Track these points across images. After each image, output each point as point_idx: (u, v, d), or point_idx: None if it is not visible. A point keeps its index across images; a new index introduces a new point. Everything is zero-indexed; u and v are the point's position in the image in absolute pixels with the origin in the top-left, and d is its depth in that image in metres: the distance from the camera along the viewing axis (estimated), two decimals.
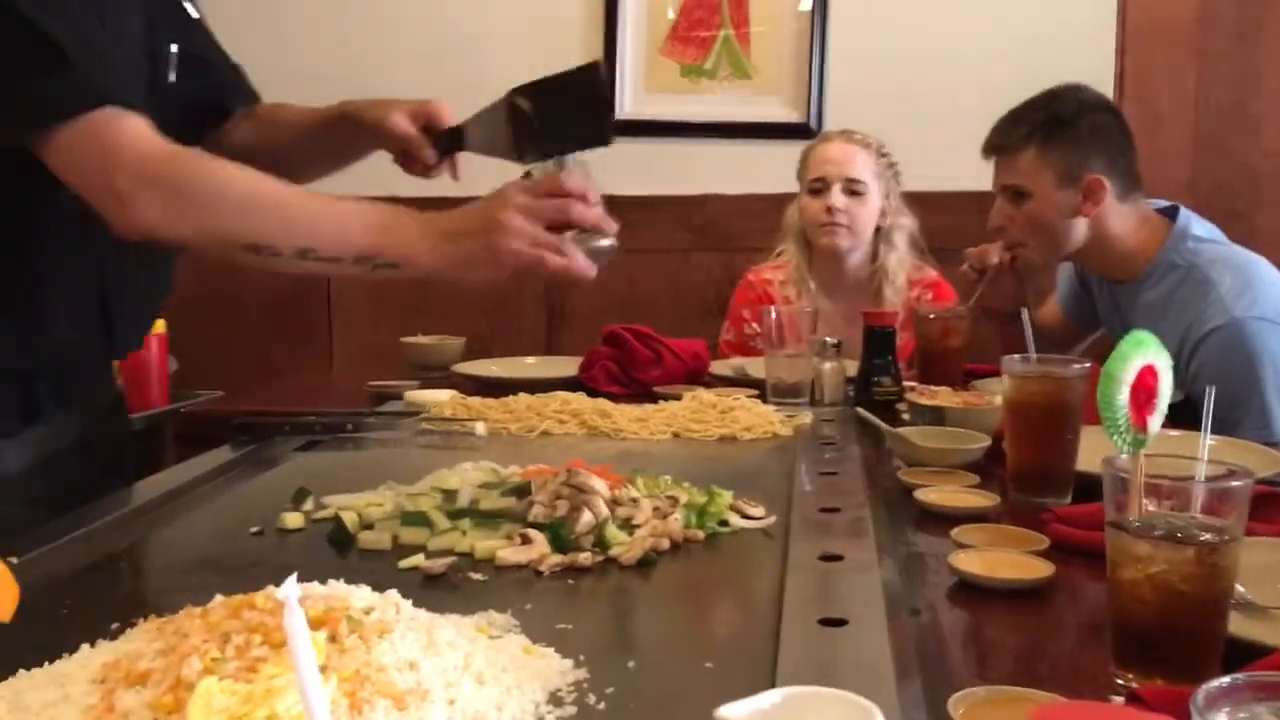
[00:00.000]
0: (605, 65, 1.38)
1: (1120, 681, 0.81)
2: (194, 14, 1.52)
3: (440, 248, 1.22)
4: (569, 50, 3.28)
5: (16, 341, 1.30)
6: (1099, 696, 0.81)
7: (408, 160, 1.51)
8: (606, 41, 3.27)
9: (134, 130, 1.19)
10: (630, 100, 3.32)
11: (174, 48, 1.45)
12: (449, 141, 1.48)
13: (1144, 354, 0.78)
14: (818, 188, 2.53)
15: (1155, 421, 0.80)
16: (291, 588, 0.41)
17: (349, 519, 1.18)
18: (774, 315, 1.92)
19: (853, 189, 2.51)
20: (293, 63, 3.31)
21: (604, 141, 1.36)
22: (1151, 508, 0.79)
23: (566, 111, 1.36)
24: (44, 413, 1.35)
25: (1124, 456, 0.80)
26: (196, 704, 0.66)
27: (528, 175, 1.33)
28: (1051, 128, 2.02)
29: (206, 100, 1.54)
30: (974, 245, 3.15)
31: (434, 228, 1.24)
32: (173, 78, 1.45)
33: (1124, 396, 0.78)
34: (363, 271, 1.23)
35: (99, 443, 1.44)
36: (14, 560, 1.06)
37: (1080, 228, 2.02)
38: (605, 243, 1.27)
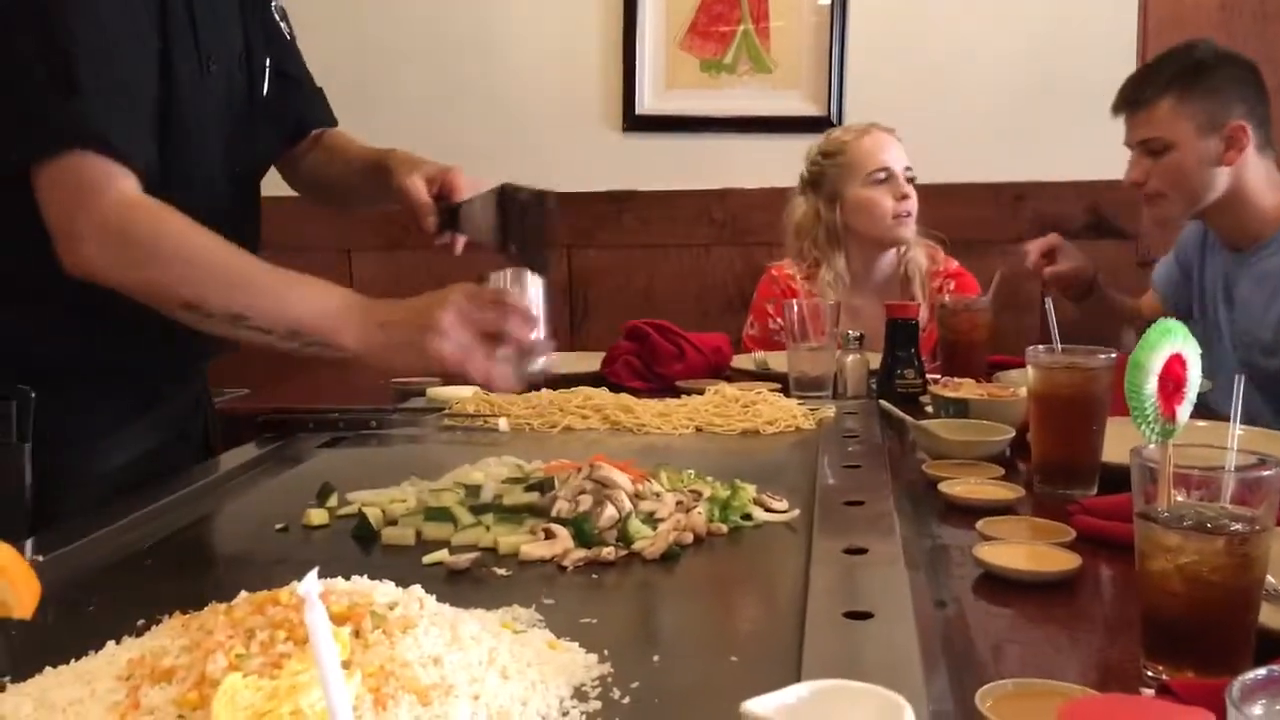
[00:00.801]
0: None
1: (1150, 674, 0.80)
2: (288, 34, 1.62)
3: (371, 335, 1.24)
4: (588, 48, 3.29)
5: (157, 344, 1.38)
6: (1129, 689, 0.80)
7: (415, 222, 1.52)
8: (625, 37, 3.27)
9: (108, 176, 1.22)
10: (650, 96, 3.31)
11: (268, 62, 1.53)
12: (448, 218, 1.49)
13: (1172, 342, 0.77)
14: (882, 178, 2.49)
15: (1184, 411, 0.79)
16: (312, 583, 0.41)
17: (373, 515, 1.18)
18: (796, 308, 1.91)
19: (910, 175, 2.50)
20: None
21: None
22: (1180, 498, 0.78)
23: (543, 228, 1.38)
24: (155, 408, 1.46)
25: (1152, 446, 0.79)
26: (221, 700, 0.66)
27: (481, 279, 1.33)
28: (1190, 76, 2.01)
29: (291, 117, 1.64)
30: (995, 237, 3.16)
31: (370, 315, 1.26)
32: (266, 91, 1.54)
33: (1152, 385, 0.77)
34: (293, 347, 1.26)
35: (192, 433, 1.56)
36: (39, 558, 1.07)
37: (1221, 177, 2.02)
38: (537, 365, 1.28)
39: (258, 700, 0.66)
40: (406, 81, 3.32)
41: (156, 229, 1.23)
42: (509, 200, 1.38)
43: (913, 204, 2.49)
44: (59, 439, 1.34)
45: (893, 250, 2.56)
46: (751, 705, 0.53)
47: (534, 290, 1.33)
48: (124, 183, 1.24)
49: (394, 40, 3.32)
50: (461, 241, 1.52)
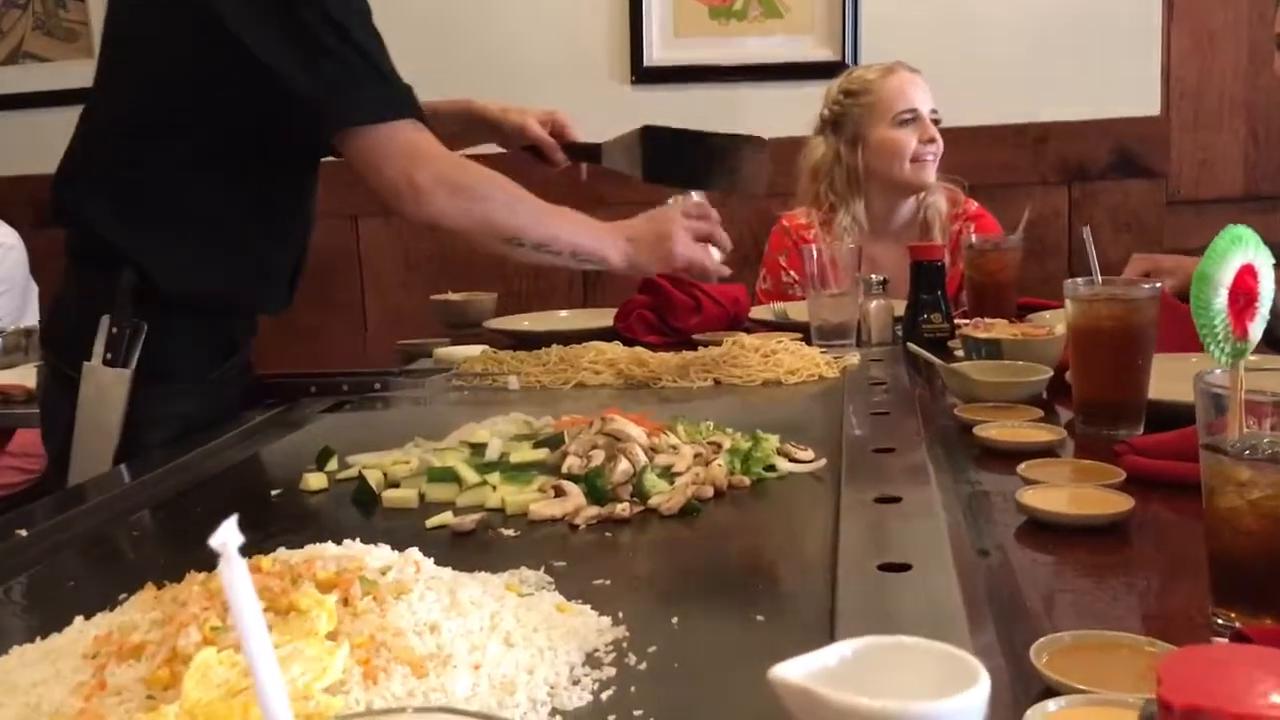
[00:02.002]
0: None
1: (1221, 621, 0.72)
2: None
3: (626, 249, 1.56)
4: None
5: (241, 299, 1.58)
6: (1195, 638, 0.72)
7: (538, 157, 1.81)
8: None
9: (429, 139, 1.46)
10: (658, 46, 3.22)
11: None
12: (583, 154, 1.81)
13: (1243, 251, 0.69)
14: (908, 119, 2.39)
15: (1256, 329, 0.70)
16: (229, 532, 0.34)
17: (373, 478, 1.12)
18: (816, 254, 1.83)
19: (935, 118, 2.40)
20: None
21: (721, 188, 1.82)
22: (1252, 427, 0.70)
23: (717, 160, 1.71)
24: (238, 350, 1.60)
25: (1219, 372, 0.71)
26: (193, 678, 0.59)
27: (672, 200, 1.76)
28: None
29: None
30: (1018, 180, 3.05)
31: (621, 234, 1.57)
32: None
33: (1222, 300, 0.68)
34: (571, 264, 1.57)
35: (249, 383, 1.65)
36: (23, 533, 1.01)
37: None
38: (722, 259, 1.65)
39: (233, 676, 0.60)
40: (403, 35, 3.21)
41: (480, 177, 1.47)
42: (653, 138, 1.72)
43: (938, 147, 2.39)
44: (147, 373, 1.44)
45: (913, 196, 2.46)
46: (782, 671, 0.45)
47: (707, 203, 1.71)
48: (437, 143, 1.47)
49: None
50: (585, 171, 1.85)
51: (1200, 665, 0.38)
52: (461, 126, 1.80)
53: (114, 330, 1.42)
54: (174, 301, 1.45)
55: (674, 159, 1.72)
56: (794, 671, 0.45)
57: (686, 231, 1.58)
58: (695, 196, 1.75)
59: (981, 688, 0.42)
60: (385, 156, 1.43)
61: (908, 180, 2.42)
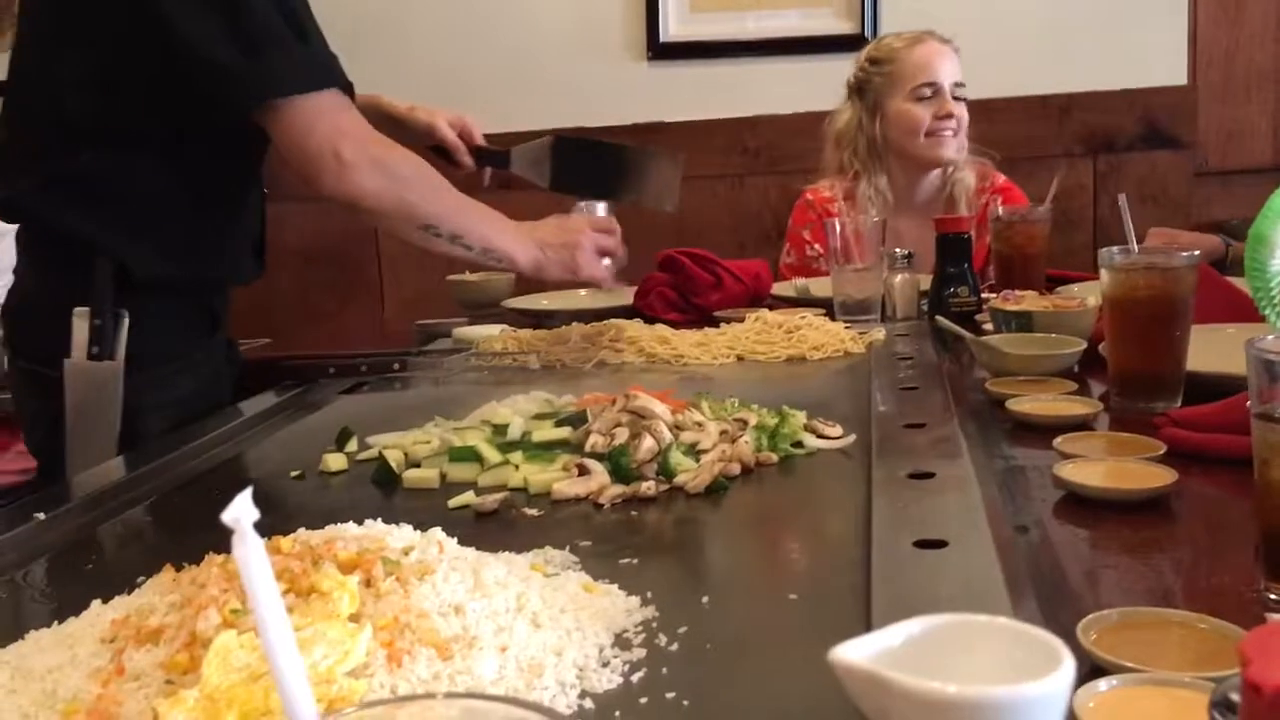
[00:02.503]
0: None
1: (1274, 597, 0.70)
2: None
3: (535, 254, 1.56)
4: None
5: (214, 273, 1.55)
6: (1245, 614, 0.70)
7: (444, 159, 1.75)
8: None
9: (356, 114, 1.43)
10: (675, 22, 3.17)
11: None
12: (490, 159, 1.79)
13: None
14: (927, 95, 2.33)
15: None
16: (244, 507, 0.32)
17: (394, 458, 1.10)
18: (839, 228, 1.80)
19: (958, 94, 2.34)
20: None
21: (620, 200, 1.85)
22: None
23: (625, 174, 1.72)
24: (219, 326, 1.59)
25: (1271, 338, 0.68)
26: (212, 662, 0.58)
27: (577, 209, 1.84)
28: None
29: None
30: (1043, 153, 3.00)
31: (531, 237, 1.57)
32: None
33: (1278, 262, 0.66)
34: (480, 259, 1.55)
35: (225, 379, 1.61)
36: (40, 515, 1.00)
37: None
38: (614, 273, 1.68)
39: (253, 660, 0.58)
40: (419, 12, 3.20)
41: (406, 160, 1.45)
42: (563, 150, 1.73)
43: (956, 122, 2.34)
44: (136, 360, 1.40)
45: (937, 170, 2.42)
46: (845, 653, 0.42)
47: (610, 214, 1.81)
48: (362, 118, 1.43)
49: None
50: (488, 175, 1.81)
51: None
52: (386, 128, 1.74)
53: (96, 323, 1.38)
54: (149, 284, 1.42)
55: (581, 170, 1.74)
56: (857, 653, 0.42)
57: (593, 244, 1.60)
58: (600, 209, 1.83)
59: (1066, 669, 0.39)
60: (310, 128, 1.37)
61: (922, 155, 2.36)
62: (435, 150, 1.75)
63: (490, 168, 1.80)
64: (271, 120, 1.38)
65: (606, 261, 1.63)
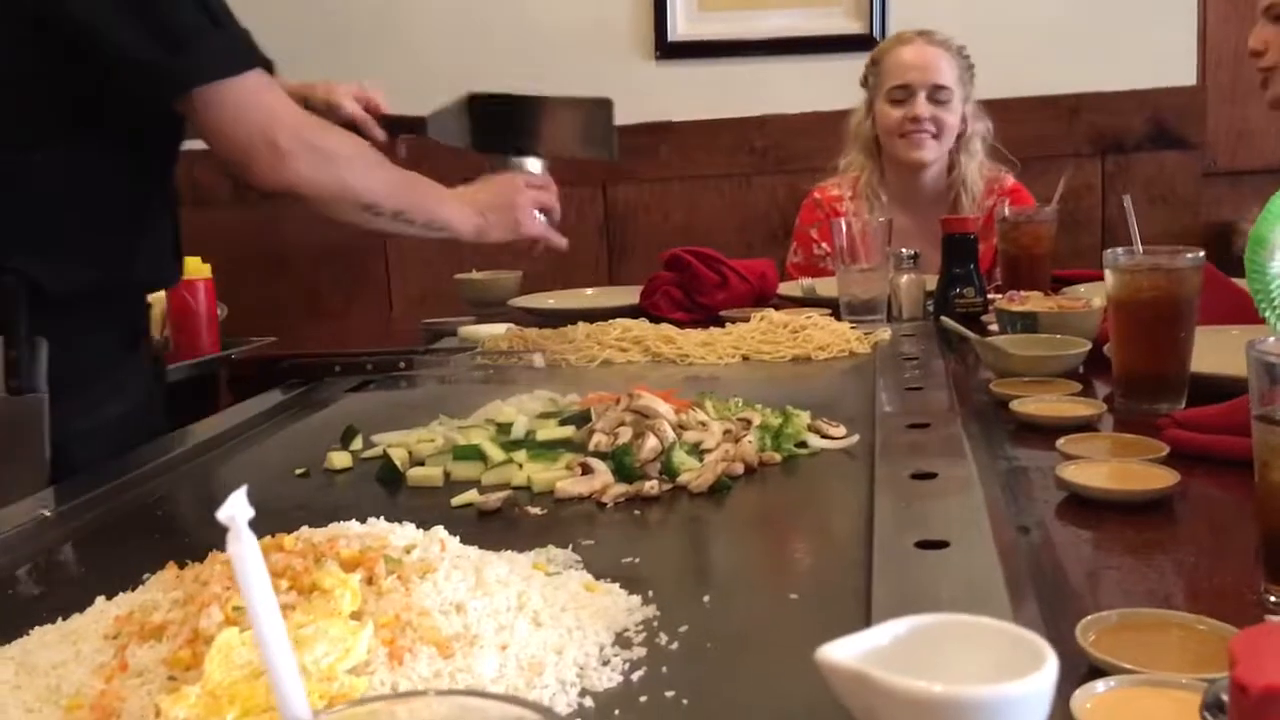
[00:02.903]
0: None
1: (1274, 599, 0.70)
2: None
3: (476, 220, 1.55)
4: None
5: (132, 278, 1.44)
6: (1246, 616, 0.69)
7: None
8: None
9: (282, 95, 1.36)
10: (683, 21, 3.17)
11: None
12: (404, 127, 1.71)
13: None
14: (900, 96, 2.36)
15: None
16: (239, 504, 0.32)
17: (398, 456, 1.10)
18: (845, 228, 1.80)
19: (937, 96, 2.34)
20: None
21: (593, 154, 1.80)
22: None
23: (554, 123, 1.71)
24: (141, 338, 1.51)
25: (1273, 340, 0.68)
26: (215, 658, 0.58)
27: (502, 166, 1.68)
28: None
29: None
30: (1051, 152, 3.00)
31: (470, 203, 1.55)
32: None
33: (1278, 264, 0.66)
34: (422, 233, 1.53)
35: (159, 381, 1.56)
36: (45, 513, 1.00)
37: None
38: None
39: (255, 658, 0.58)
40: (427, 10, 3.21)
41: (342, 140, 1.42)
42: (480, 106, 1.68)
43: (934, 125, 2.33)
44: (59, 386, 1.29)
45: (935, 170, 2.42)
46: (831, 652, 0.43)
47: (543, 169, 1.69)
48: (291, 100, 1.37)
49: None
50: (403, 147, 1.72)
51: (1278, 644, 0.36)
52: None
53: (12, 353, 1.26)
54: (65, 300, 1.30)
55: (504, 125, 1.68)
56: (844, 652, 0.42)
57: (530, 201, 1.59)
58: (535, 165, 1.68)
59: (1049, 669, 0.40)
60: (238, 116, 1.29)
61: (900, 155, 2.38)
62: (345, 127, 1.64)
63: (404, 136, 1.72)
64: (196, 109, 1.29)
65: (542, 217, 1.62)
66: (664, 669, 0.65)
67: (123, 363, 1.44)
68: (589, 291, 2.26)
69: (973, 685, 0.38)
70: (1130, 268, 1.16)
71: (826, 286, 1.97)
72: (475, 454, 1.08)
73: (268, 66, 1.37)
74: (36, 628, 0.71)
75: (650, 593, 0.75)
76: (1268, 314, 0.66)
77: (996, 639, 0.43)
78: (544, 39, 3.18)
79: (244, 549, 0.32)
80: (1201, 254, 1.16)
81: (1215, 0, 3.02)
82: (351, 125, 1.63)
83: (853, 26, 3.11)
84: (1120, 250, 1.18)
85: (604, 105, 1.64)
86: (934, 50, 2.36)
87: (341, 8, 3.22)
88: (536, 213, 1.62)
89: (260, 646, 0.33)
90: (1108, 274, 1.18)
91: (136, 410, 1.42)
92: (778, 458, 1.07)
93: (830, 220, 2.05)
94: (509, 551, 0.80)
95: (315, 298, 3.20)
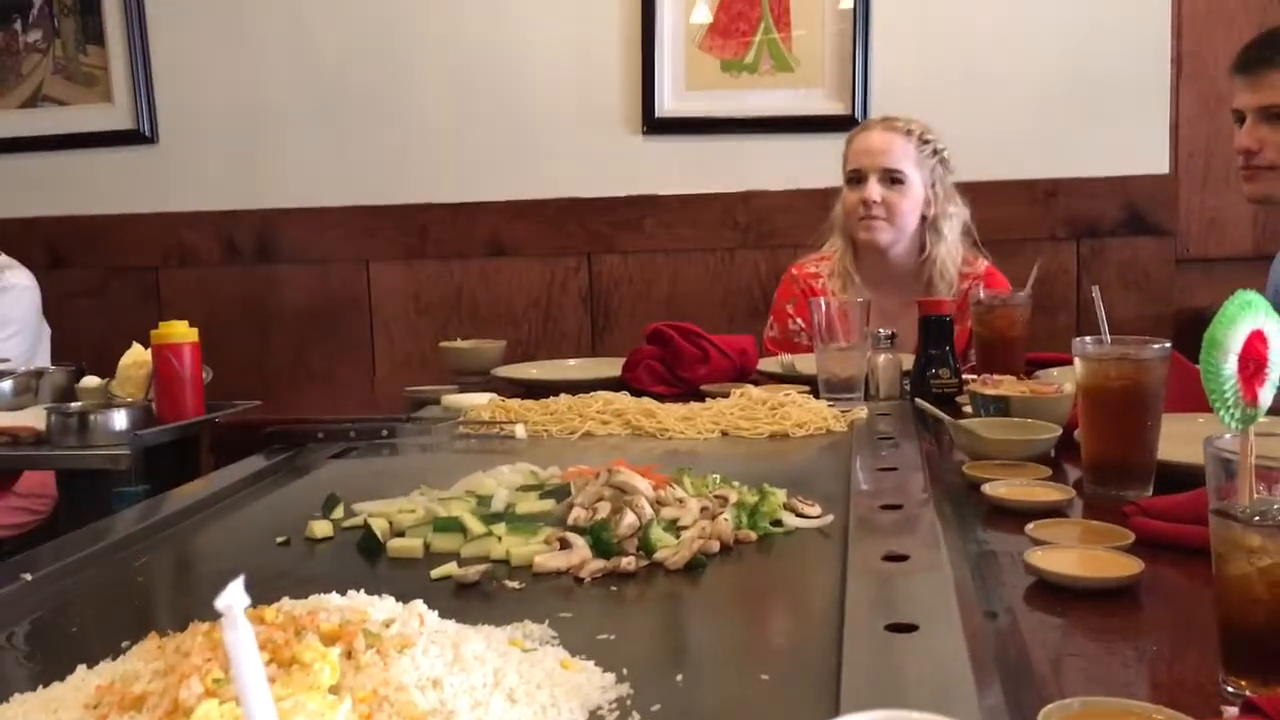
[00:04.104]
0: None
1: (1231, 690, 0.71)
2: None
3: None
4: (606, 49, 3.22)
5: None
6: (1206, 707, 0.71)
7: None
8: (644, 38, 3.20)
9: None
10: (670, 97, 3.24)
11: None
12: None
13: (1253, 317, 0.69)
14: (855, 179, 2.44)
15: (1267, 394, 0.70)
16: (236, 594, 0.34)
17: (379, 526, 1.11)
18: (824, 307, 1.83)
19: (892, 178, 2.40)
20: (316, 48, 3.28)
21: None
22: (1262, 493, 0.70)
23: None
24: None
25: (1229, 436, 0.71)
26: None
27: None
28: None
29: None
30: (1027, 235, 3.06)
31: None
32: None
33: (1231, 366, 0.69)
34: None
35: None
36: (27, 576, 1.01)
37: None
38: None
39: None
40: (422, 85, 3.27)
41: None
42: None
43: (882, 208, 2.39)
44: None
45: (903, 250, 2.47)
46: None
47: None
48: None
49: (409, 44, 3.26)
50: None
51: None
52: None
53: None
54: None
55: None
56: None
57: None
58: None
59: None
60: None
61: (856, 237, 2.45)
62: None
63: None
64: None
65: None
66: None
67: None
68: (572, 362, 2.29)
69: None
70: (1098, 356, 1.19)
71: (806, 363, 2.00)
72: (455, 526, 1.09)
73: None
74: (16, 695, 0.71)
75: (624, 670, 0.76)
76: (1223, 414, 0.69)
77: None
78: (535, 111, 3.25)
79: (239, 637, 0.34)
80: (1168, 345, 1.19)
81: (1187, 94, 3.11)
82: None
83: (834, 107, 3.18)
84: (1089, 339, 1.21)
85: None
86: (890, 136, 2.43)
87: (338, 76, 3.29)
88: None
89: None
90: (1077, 362, 1.21)
91: None
92: (753, 536, 1.08)
93: (809, 298, 2.09)
94: (486, 626, 0.82)
95: (301, 358, 3.22)
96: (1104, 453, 1.20)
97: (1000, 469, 1.28)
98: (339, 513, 1.21)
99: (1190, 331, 2.82)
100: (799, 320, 2.47)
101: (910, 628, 0.77)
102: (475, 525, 1.10)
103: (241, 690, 0.34)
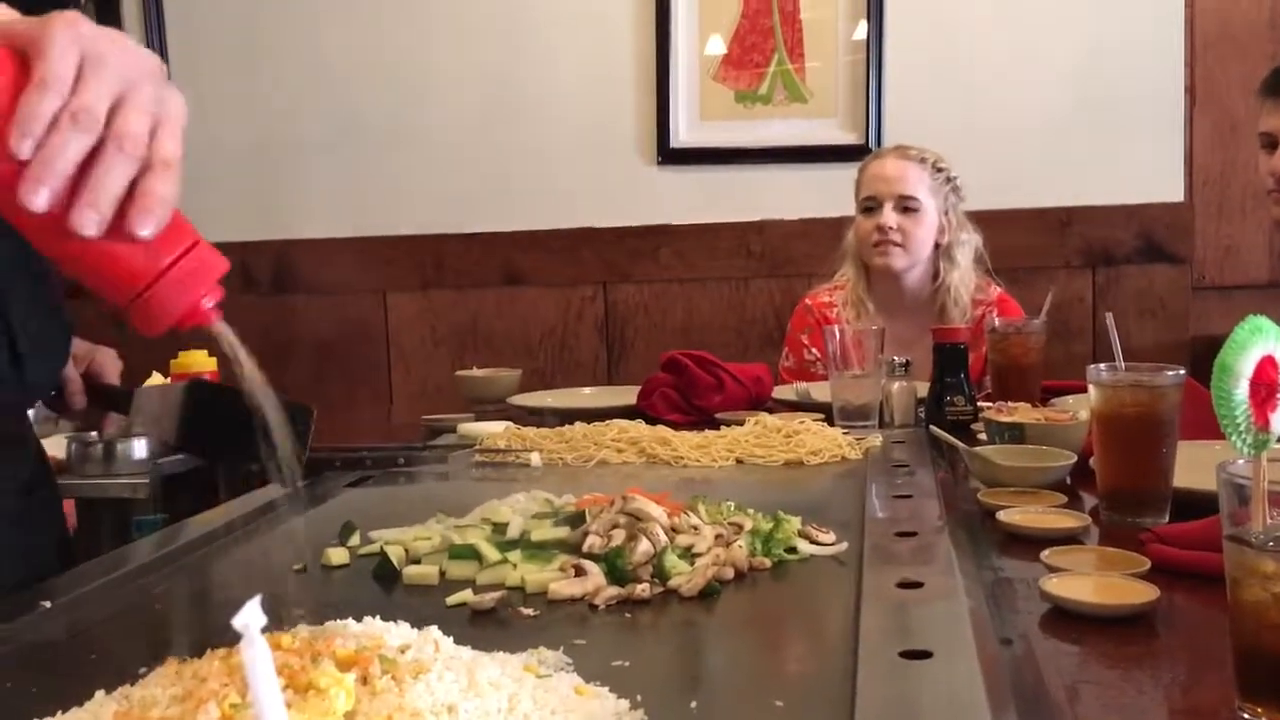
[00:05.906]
0: None
1: (1248, 717, 0.71)
2: None
3: None
4: (621, 80, 3.25)
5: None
6: None
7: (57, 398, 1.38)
8: (659, 68, 3.23)
9: None
10: (684, 128, 3.27)
11: None
12: (108, 401, 1.44)
13: (1264, 343, 0.69)
14: (870, 206, 2.47)
15: (1279, 419, 0.71)
16: (253, 613, 0.35)
17: (394, 553, 1.12)
18: (839, 335, 1.84)
19: (906, 205, 2.43)
20: (332, 80, 3.31)
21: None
22: (1276, 518, 0.70)
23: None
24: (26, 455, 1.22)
25: (1242, 462, 0.71)
26: None
27: None
28: None
29: None
30: (1043, 263, 3.06)
31: None
32: None
33: (1243, 391, 0.69)
34: None
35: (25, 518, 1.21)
36: (47, 604, 1.02)
37: None
38: None
39: None
40: (438, 116, 3.30)
41: None
42: (201, 399, 1.34)
43: (898, 234, 2.43)
44: None
45: (916, 277, 2.49)
46: None
47: None
48: None
49: (424, 73, 3.30)
50: (115, 425, 1.51)
51: None
52: None
53: None
54: None
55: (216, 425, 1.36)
56: None
57: None
58: None
59: None
60: None
61: (871, 263, 2.49)
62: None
63: (114, 415, 1.50)
64: None
65: None
66: None
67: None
68: (587, 391, 2.29)
69: None
70: (1112, 383, 1.19)
71: (820, 391, 2.00)
72: (471, 554, 1.10)
73: None
74: None
75: (639, 696, 0.76)
76: (1235, 440, 0.69)
77: None
78: (552, 140, 3.28)
79: (256, 655, 0.34)
80: (1182, 371, 1.19)
81: (1201, 122, 3.11)
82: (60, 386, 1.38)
83: (848, 137, 3.20)
84: (1103, 366, 1.21)
85: (306, 413, 1.32)
86: (904, 164, 2.47)
87: (354, 107, 3.32)
88: None
89: None
90: (1091, 389, 1.21)
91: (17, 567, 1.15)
92: (768, 563, 1.08)
93: (823, 327, 2.10)
94: (501, 653, 0.82)
95: (318, 389, 3.24)
96: (1119, 480, 1.20)
97: (1015, 496, 1.28)
98: (355, 540, 1.21)
99: (1207, 359, 2.81)
100: (814, 350, 2.49)
101: (925, 654, 0.77)
102: (490, 552, 1.10)
103: (258, 708, 0.34)
